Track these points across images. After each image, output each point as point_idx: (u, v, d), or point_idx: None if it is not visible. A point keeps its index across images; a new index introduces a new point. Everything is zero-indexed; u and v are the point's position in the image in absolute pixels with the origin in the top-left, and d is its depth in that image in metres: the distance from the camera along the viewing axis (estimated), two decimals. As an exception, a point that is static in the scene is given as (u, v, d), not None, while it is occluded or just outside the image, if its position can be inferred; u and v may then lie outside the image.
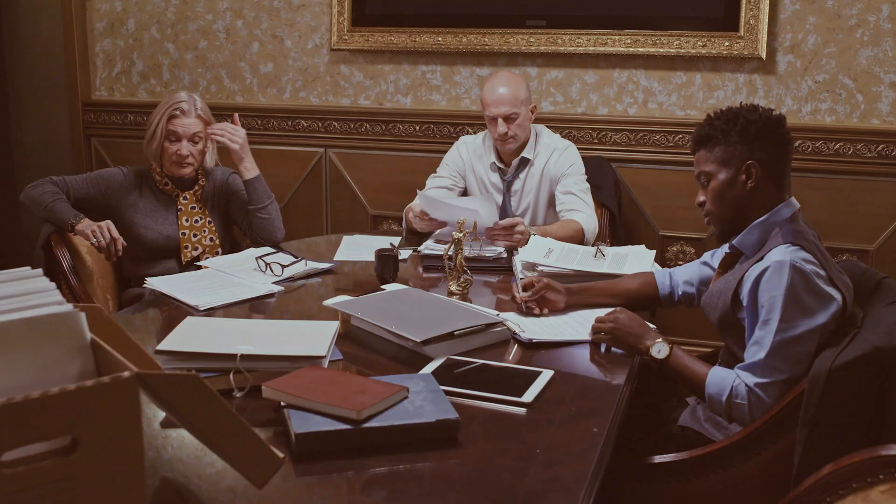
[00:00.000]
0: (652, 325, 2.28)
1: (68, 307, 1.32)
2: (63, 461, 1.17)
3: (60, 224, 3.03)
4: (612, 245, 3.49)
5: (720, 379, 2.07)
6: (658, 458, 2.09)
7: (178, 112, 3.14)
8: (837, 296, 2.01)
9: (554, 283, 2.49)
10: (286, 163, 4.43)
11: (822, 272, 2.00)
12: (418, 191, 3.37)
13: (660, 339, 2.18)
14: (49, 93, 4.85)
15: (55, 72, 4.78)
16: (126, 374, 1.20)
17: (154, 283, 2.73)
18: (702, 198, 2.24)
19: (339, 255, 3.16)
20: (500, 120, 3.32)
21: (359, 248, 3.22)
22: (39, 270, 1.44)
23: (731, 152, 2.16)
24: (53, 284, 1.40)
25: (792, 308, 1.98)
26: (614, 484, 2.04)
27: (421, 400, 1.74)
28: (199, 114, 3.17)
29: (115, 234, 2.97)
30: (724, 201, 2.18)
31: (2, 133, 4.89)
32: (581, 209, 3.33)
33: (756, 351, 2.02)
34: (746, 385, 2.02)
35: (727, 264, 2.27)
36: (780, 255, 2.01)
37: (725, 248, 2.31)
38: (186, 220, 3.19)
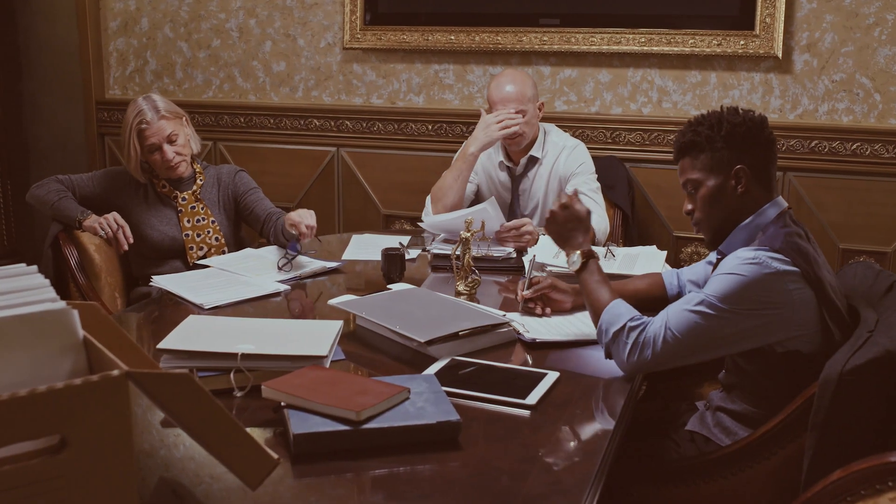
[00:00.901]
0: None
1: (61, 304, 1.31)
2: (51, 460, 1.15)
3: (68, 221, 3.03)
4: (624, 245, 3.46)
5: (618, 313, 2.05)
6: (665, 463, 2.06)
7: (143, 125, 3.10)
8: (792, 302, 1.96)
9: (560, 283, 2.46)
10: (298, 162, 4.42)
11: (795, 269, 1.95)
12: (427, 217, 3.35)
13: (581, 251, 2.20)
14: (63, 92, 4.87)
15: (69, 71, 4.80)
16: (115, 372, 1.18)
17: (160, 281, 2.72)
18: (689, 206, 2.20)
19: (348, 254, 3.14)
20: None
21: (368, 247, 3.20)
22: (34, 267, 1.43)
23: (719, 158, 2.10)
24: (48, 282, 1.39)
25: (737, 296, 1.95)
26: (621, 488, 2.02)
27: (422, 401, 1.72)
28: (164, 114, 3.13)
29: (122, 221, 2.97)
30: (714, 208, 2.13)
31: (17, 131, 4.91)
32: (592, 209, 3.28)
33: (681, 307, 2.00)
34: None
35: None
36: (748, 251, 1.98)
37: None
38: (188, 221, 3.17)
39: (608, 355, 2.06)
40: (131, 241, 2.98)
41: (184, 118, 3.22)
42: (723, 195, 2.11)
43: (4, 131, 4.55)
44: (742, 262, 1.96)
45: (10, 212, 4.62)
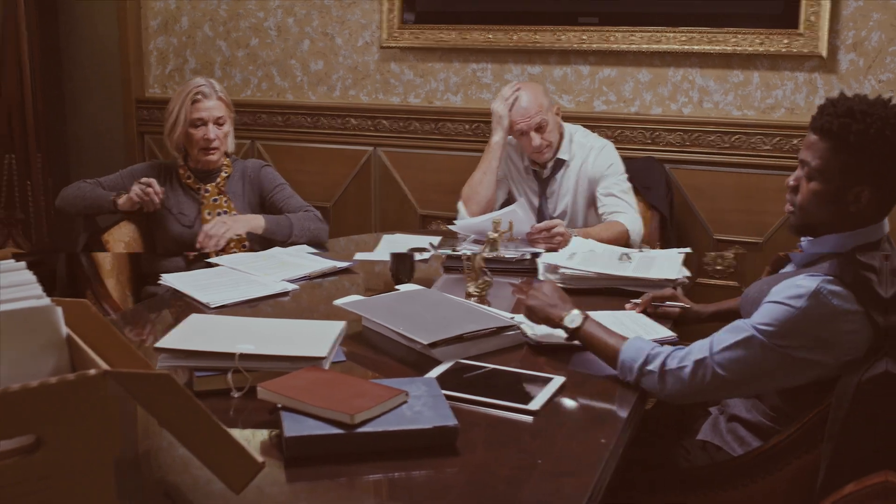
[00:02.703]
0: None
1: (45, 301, 1.30)
2: (26, 460, 1.14)
3: (103, 204, 3.08)
4: (662, 248, 3.39)
5: (637, 347, 1.93)
6: (674, 471, 2.00)
7: (199, 96, 3.13)
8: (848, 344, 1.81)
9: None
10: (336, 161, 4.42)
11: (857, 308, 1.77)
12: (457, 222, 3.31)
13: (576, 311, 2.08)
14: (104, 90, 4.91)
15: (110, 69, 4.84)
16: (93, 371, 1.17)
17: (169, 279, 2.69)
18: (794, 183, 1.94)
19: (360, 255, 3.12)
20: (532, 133, 3.30)
21: (395, 248, 3.17)
22: (23, 264, 1.42)
23: (856, 167, 1.84)
24: (34, 278, 1.38)
25: (787, 330, 1.80)
26: (626, 497, 1.96)
27: (420, 405, 1.68)
28: (220, 96, 3.17)
29: (145, 181, 3.04)
30: (819, 208, 1.91)
31: (58, 129, 4.97)
32: (624, 210, 3.23)
33: (727, 338, 1.86)
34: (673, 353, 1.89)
35: (777, 266, 2.15)
36: (809, 280, 1.81)
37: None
38: (209, 214, 3.17)
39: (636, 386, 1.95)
40: (160, 195, 3.04)
41: (233, 114, 3.25)
42: (836, 201, 1.88)
43: (45, 130, 4.61)
44: (799, 292, 1.80)
45: (51, 210, 4.68)
